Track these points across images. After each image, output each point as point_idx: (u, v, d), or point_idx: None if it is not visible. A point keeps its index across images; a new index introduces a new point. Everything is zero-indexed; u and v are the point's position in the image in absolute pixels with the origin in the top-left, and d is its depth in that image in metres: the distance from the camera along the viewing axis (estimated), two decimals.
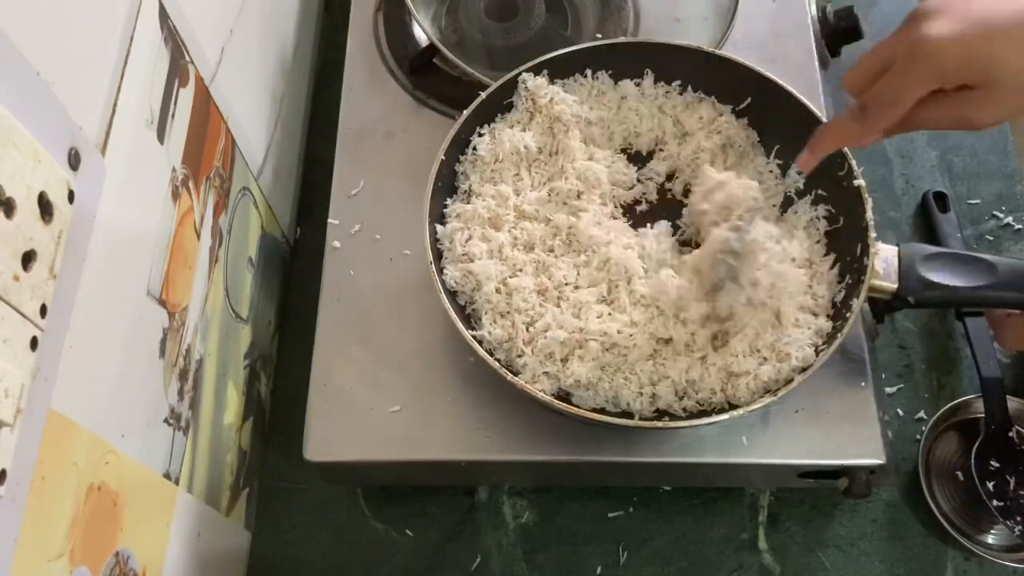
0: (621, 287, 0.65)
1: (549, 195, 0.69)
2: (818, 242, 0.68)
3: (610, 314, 0.64)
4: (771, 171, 0.71)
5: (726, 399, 0.62)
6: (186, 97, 0.61)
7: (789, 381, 0.61)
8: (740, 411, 0.59)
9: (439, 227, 0.68)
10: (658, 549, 0.74)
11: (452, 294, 0.66)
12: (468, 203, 0.69)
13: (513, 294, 0.64)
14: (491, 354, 0.63)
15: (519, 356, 0.63)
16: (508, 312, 0.64)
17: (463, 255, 0.66)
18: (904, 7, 0.91)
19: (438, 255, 0.67)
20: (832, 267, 0.66)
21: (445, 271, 0.66)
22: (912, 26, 0.52)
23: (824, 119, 0.68)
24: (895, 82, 0.53)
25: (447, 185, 0.71)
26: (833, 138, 0.59)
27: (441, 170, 0.68)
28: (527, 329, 0.63)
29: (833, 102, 0.79)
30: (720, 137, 0.72)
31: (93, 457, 0.49)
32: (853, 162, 0.66)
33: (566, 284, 0.66)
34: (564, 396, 0.63)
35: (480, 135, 0.71)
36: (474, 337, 0.63)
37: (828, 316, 0.65)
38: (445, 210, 0.70)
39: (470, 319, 0.66)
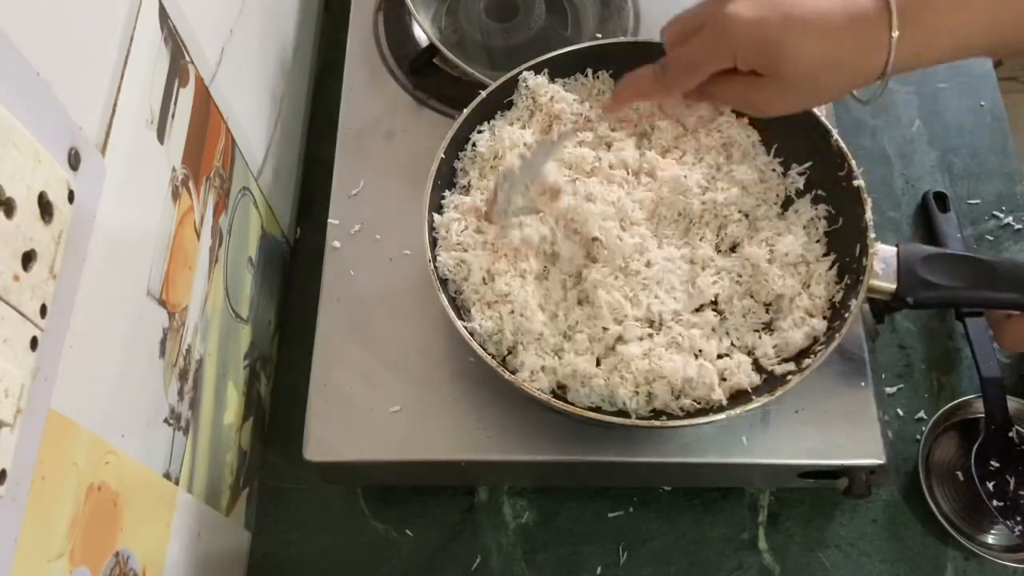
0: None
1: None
2: (818, 241, 0.68)
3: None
4: (773, 169, 0.71)
5: (723, 397, 0.62)
6: (186, 97, 0.61)
7: (783, 377, 0.61)
8: (739, 411, 0.59)
9: (436, 216, 0.68)
10: (658, 549, 0.74)
11: (444, 282, 0.66)
12: (467, 195, 0.69)
13: (496, 278, 0.64)
14: (483, 348, 0.63)
15: (512, 352, 0.63)
16: (495, 302, 0.64)
17: (457, 244, 0.66)
18: None
19: (435, 245, 0.67)
20: (831, 268, 0.66)
21: (438, 258, 0.66)
22: (721, 2, 0.52)
23: (823, 118, 0.68)
24: (694, 51, 0.54)
25: (447, 183, 0.71)
26: (636, 92, 0.60)
27: (441, 168, 0.68)
28: (511, 313, 0.64)
29: (834, 102, 0.78)
30: (720, 136, 0.72)
31: (93, 457, 0.49)
32: (853, 162, 0.66)
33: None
34: (561, 394, 0.63)
35: (480, 132, 0.71)
36: (467, 329, 0.63)
37: (824, 317, 0.65)
38: (443, 202, 0.70)
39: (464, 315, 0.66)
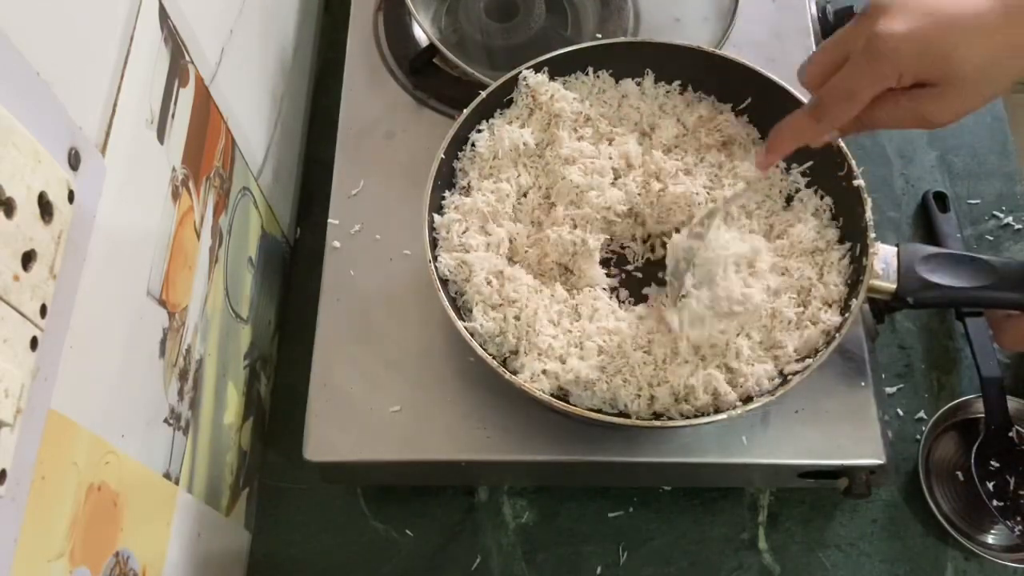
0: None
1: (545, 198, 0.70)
2: (827, 227, 0.68)
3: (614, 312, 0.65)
4: (776, 166, 0.71)
5: (737, 400, 0.62)
6: (186, 97, 0.61)
7: (784, 377, 0.61)
8: (739, 411, 0.59)
9: (436, 216, 0.68)
10: (658, 549, 0.74)
11: (444, 282, 0.66)
12: (468, 196, 0.69)
13: (506, 283, 0.64)
14: (484, 349, 0.63)
15: (514, 354, 0.63)
16: (500, 304, 0.64)
17: (459, 245, 0.66)
18: None
19: (435, 246, 0.67)
20: (843, 257, 0.66)
21: (439, 259, 0.66)
22: (869, 21, 0.51)
23: None
24: (851, 79, 0.52)
25: (446, 183, 0.71)
26: (791, 137, 0.58)
27: (441, 168, 0.68)
28: (516, 318, 0.63)
29: None
30: (720, 135, 0.72)
31: (93, 457, 0.49)
32: (853, 162, 0.66)
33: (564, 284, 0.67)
34: (562, 396, 0.63)
35: (479, 131, 0.71)
36: (467, 330, 0.63)
37: (841, 310, 0.64)
38: (443, 202, 0.70)
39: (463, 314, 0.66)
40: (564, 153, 0.70)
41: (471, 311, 0.65)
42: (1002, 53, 0.49)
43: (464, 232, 0.67)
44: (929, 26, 0.49)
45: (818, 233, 0.67)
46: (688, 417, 0.61)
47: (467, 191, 0.70)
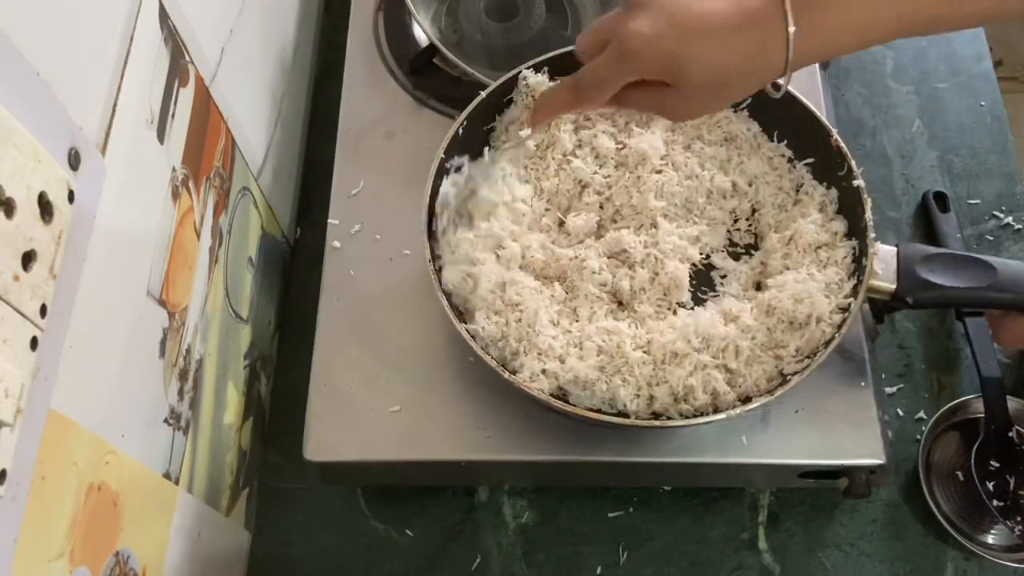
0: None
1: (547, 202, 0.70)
2: (832, 219, 0.68)
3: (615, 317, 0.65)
4: (781, 155, 0.71)
5: (735, 399, 0.62)
6: (186, 97, 0.61)
7: (787, 381, 0.61)
8: (739, 410, 0.59)
9: (452, 238, 0.67)
10: (658, 549, 0.74)
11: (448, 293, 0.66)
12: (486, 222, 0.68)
13: (508, 288, 0.64)
14: (485, 351, 0.63)
15: (514, 355, 0.63)
16: (502, 310, 0.64)
17: (465, 258, 0.66)
18: None
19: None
20: (846, 256, 0.66)
21: (444, 273, 0.66)
22: (622, 18, 0.53)
23: (824, 118, 0.68)
24: (601, 69, 0.55)
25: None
26: (551, 107, 0.61)
27: (441, 169, 0.68)
28: (518, 321, 0.63)
29: (834, 102, 0.79)
30: (721, 132, 0.72)
31: (93, 457, 0.49)
32: (853, 162, 0.66)
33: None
34: (562, 396, 0.63)
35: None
36: (468, 331, 0.63)
37: (841, 306, 0.64)
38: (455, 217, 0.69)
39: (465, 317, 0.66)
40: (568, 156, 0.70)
41: (473, 313, 0.65)
42: (733, 70, 0.52)
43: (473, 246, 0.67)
44: (672, 32, 0.52)
45: (822, 226, 0.67)
46: (687, 417, 0.61)
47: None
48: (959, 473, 0.76)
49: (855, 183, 0.66)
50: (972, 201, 0.89)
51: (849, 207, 0.67)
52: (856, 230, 0.66)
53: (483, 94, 0.71)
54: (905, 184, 0.90)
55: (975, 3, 0.50)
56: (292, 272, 0.88)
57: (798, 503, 0.76)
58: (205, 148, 0.65)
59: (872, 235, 0.64)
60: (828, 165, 0.68)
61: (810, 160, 0.70)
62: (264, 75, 0.81)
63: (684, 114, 0.57)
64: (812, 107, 0.69)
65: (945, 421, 0.77)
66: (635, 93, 0.56)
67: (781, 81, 0.54)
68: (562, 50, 0.72)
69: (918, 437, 0.77)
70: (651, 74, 0.54)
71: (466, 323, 0.64)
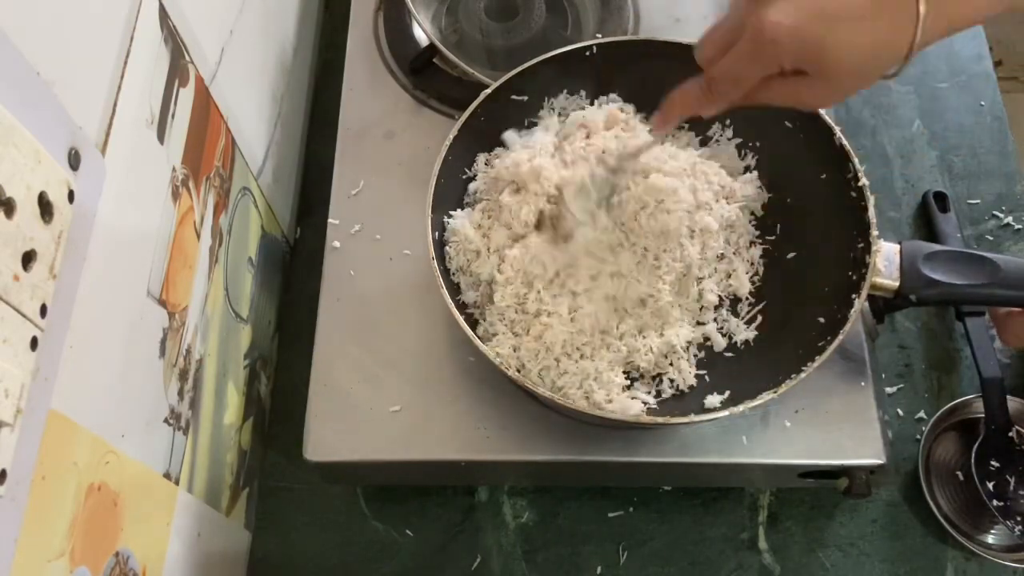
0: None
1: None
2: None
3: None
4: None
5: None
6: (186, 97, 0.61)
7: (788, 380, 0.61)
8: (741, 408, 0.59)
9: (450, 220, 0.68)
10: (658, 549, 0.74)
11: (447, 281, 0.66)
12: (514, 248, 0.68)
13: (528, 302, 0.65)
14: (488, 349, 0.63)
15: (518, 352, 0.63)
16: (520, 333, 0.65)
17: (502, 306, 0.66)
18: None
19: (440, 248, 0.67)
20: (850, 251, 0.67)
21: (461, 292, 0.67)
22: (754, 11, 0.53)
23: (825, 117, 0.68)
24: (737, 63, 0.54)
25: (449, 182, 0.70)
26: (682, 107, 0.60)
27: (444, 167, 0.68)
28: (536, 338, 0.64)
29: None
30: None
31: (93, 457, 0.49)
32: (856, 161, 0.66)
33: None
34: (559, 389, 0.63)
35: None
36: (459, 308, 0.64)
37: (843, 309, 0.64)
38: (450, 217, 0.70)
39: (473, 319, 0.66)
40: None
41: (484, 323, 0.65)
42: (876, 50, 0.52)
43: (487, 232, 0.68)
44: (808, 20, 0.51)
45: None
46: (687, 416, 0.62)
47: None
48: (959, 473, 0.76)
49: (859, 182, 0.66)
50: (972, 201, 0.89)
51: (852, 206, 0.67)
52: (859, 228, 0.66)
53: (483, 94, 0.71)
54: (905, 184, 0.90)
55: None
56: (292, 272, 0.88)
57: (798, 503, 0.76)
58: (205, 148, 0.65)
59: (875, 233, 0.64)
60: (831, 164, 0.68)
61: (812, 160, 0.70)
62: (264, 75, 0.81)
63: (821, 102, 0.56)
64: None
65: (945, 421, 0.77)
66: (770, 86, 0.55)
67: (892, 69, 0.53)
68: (562, 49, 0.72)
69: (918, 437, 0.77)
70: (791, 64, 0.53)
71: (461, 299, 0.64)
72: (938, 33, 0.51)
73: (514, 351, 0.64)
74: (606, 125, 0.72)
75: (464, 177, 0.72)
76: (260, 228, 0.80)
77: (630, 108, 0.74)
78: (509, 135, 0.72)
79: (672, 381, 0.65)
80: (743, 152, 0.74)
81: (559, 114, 0.74)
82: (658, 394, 0.65)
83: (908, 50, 0.51)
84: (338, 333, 0.71)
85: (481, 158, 0.72)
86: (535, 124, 0.73)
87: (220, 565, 0.70)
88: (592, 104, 0.74)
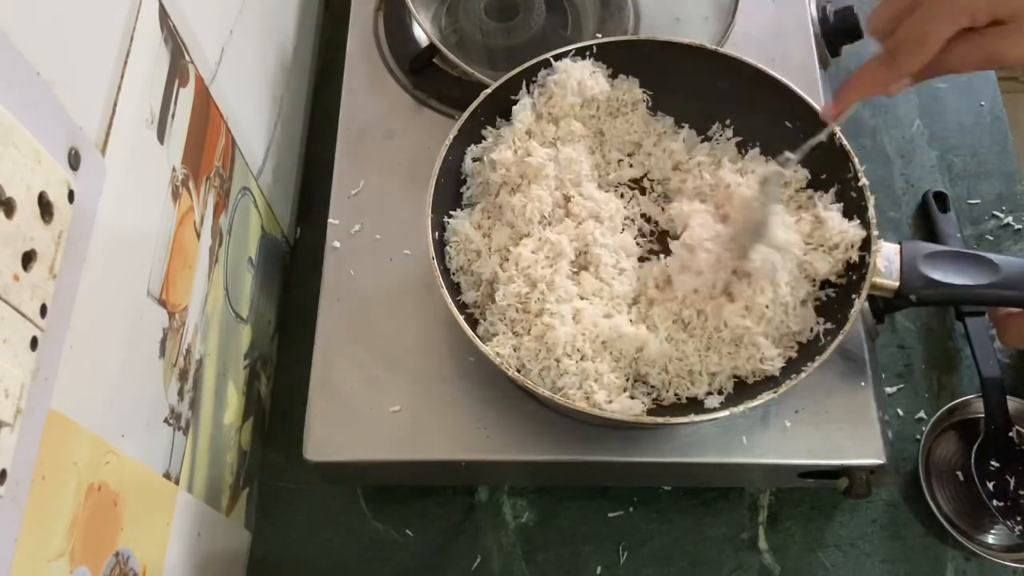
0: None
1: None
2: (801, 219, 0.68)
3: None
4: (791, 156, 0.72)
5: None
6: (186, 97, 0.61)
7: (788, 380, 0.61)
8: (741, 408, 0.59)
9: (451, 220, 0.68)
10: (658, 549, 0.74)
11: (448, 280, 0.66)
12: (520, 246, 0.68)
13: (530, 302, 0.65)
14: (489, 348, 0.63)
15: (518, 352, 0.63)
16: (522, 332, 0.65)
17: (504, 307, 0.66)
18: None
19: (440, 248, 0.67)
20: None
21: (461, 291, 0.67)
22: None
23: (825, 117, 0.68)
24: (924, 21, 0.50)
25: (449, 182, 0.70)
26: (861, 85, 0.56)
27: (444, 167, 0.68)
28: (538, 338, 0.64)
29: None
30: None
31: (93, 457, 0.49)
32: (856, 160, 0.66)
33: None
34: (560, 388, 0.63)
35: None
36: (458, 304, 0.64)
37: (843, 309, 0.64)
38: (450, 217, 0.69)
39: (473, 318, 0.66)
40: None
41: (484, 323, 0.65)
42: None
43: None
44: None
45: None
46: (681, 404, 0.62)
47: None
48: (959, 473, 0.76)
49: (859, 182, 0.66)
50: (972, 201, 0.89)
51: (852, 206, 0.67)
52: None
53: (484, 94, 0.71)
54: (905, 184, 0.90)
55: None
56: (292, 272, 0.88)
57: (798, 503, 0.76)
58: (205, 148, 0.65)
59: (875, 233, 0.64)
60: (831, 164, 0.68)
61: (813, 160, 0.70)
62: (264, 75, 0.81)
63: (1023, 52, 0.50)
64: (815, 105, 0.68)
65: (945, 421, 0.77)
66: (959, 45, 0.50)
67: None
68: (562, 49, 0.72)
69: (918, 437, 0.77)
70: (986, 12, 0.48)
71: (461, 299, 0.64)
72: None
73: (514, 351, 0.63)
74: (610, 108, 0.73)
75: (464, 177, 0.72)
76: (260, 228, 0.80)
77: (601, 67, 0.73)
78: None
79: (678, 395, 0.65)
80: (743, 152, 0.74)
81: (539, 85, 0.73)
82: (658, 395, 0.65)
83: None
84: (338, 333, 0.71)
85: (469, 154, 0.72)
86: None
87: (220, 565, 0.70)
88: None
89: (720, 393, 0.64)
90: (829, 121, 0.61)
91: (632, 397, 0.63)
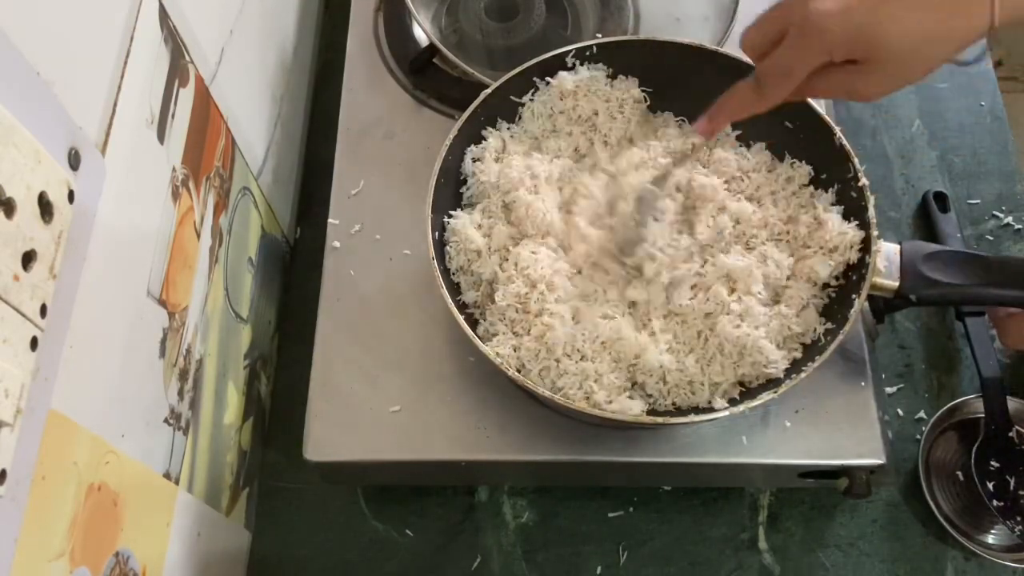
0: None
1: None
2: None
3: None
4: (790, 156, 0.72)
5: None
6: (186, 97, 0.61)
7: (788, 380, 0.61)
8: (741, 408, 0.59)
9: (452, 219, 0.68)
10: (658, 549, 0.74)
11: (448, 280, 0.66)
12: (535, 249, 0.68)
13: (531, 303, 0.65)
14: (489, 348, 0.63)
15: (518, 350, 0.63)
16: (521, 332, 0.65)
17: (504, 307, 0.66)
18: None
19: (440, 248, 0.67)
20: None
21: (461, 291, 0.67)
22: (799, 1, 0.52)
23: (825, 117, 0.68)
24: (787, 56, 0.53)
25: (449, 182, 0.70)
26: (732, 107, 0.59)
27: (444, 167, 0.68)
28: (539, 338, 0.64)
29: (834, 101, 0.78)
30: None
31: (93, 457, 0.49)
32: (856, 161, 0.66)
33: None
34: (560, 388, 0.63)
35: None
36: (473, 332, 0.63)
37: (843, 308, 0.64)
38: (450, 217, 0.69)
39: (473, 317, 0.66)
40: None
41: (483, 324, 0.65)
42: (931, 34, 0.50)
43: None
44: (859, 6, 0.50)
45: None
46: (682, 410, 0.62)
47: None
48: (959, 473, 0.76)
49: (860, 182, 0.66)
50: (972, 201, 0.89)
51: (853, 206, 0.67)
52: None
53: (484, 94, 0.71)
54: (905, 184, 0.90)
55: None
56: (292, 272, 0.88)
57: (798, 503, 0.76)
58: (205, 148, 0.65)
59: (875, 233, 0.64)
60: (832, 164, 0.68)
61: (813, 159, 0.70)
62: (264, 75, 0.81)
63: (875, 91, 0.54)
64: (815, 105, 0.68)
65: (945, 421, 0.77)
66: (821, 77, 0.53)
67: (971, 55, 0.52)
68: (562, 49, 0.72)
69: (918, 437, 0.77)
70: (841, 53, 0.51)
71: (461, 299, 0.64)
72: (1012, 18, 0.49)
73: (514, 351, 0.63)
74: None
75: (464, 177, 0.72)
76: (260, 228, 0.80)
77: (600, 70, 0.73)
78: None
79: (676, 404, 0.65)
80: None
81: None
82: (655, 402, 0.65)
83: (985, 29, 0.49)
84: (338, 333, 0.71)
85: (469, 154, 0.72)
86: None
87: (220, 565, 0.70)
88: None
89: (723, 398, 0.63)
90: (706, 137, 0.63)
91: (631, 398, 0.63)
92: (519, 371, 0.63)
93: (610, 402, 0.62)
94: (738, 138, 0.73)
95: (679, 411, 0.63)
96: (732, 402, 0.62)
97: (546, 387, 0.62)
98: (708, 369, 0.63)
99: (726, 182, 0.70)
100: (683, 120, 0.74)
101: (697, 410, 0.62)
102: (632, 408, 0.62)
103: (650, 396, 0.64)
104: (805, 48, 0.52)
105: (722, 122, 0.61)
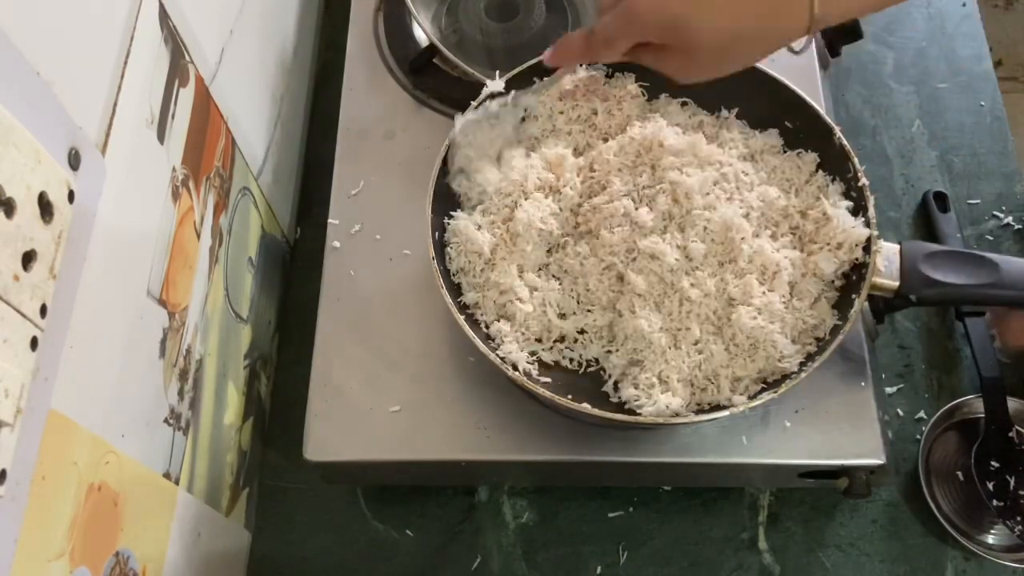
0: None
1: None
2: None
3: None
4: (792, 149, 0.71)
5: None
6: (186, 97, 0.61)
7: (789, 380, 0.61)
8: (741, 408, 0.59)
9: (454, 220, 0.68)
10: (658, 549, 0.74)
11: (448, 281, 0.66)
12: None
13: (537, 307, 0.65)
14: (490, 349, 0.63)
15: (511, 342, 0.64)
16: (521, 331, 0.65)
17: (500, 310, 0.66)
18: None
19: (440, 249, 0.67)
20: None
21: (463, 292, 0.67)
22: None
23: (825, 117, 0.68)
24: (610, 28, 0.56)
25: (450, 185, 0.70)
26: (567, 52, 0.61)
27: (444, 166, 0.68)
28: (538, 340, 0.64)
29: (834, 101, 0.79)
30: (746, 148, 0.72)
31: (93, 457, 0.49)
32: (856, 160, 0.66)
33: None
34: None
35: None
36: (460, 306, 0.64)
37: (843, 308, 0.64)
38: (450, 217, 0.69)
39: (473, 316, 0.66)
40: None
41: (486, 324, 0.65)
42: (745, 33, 0.52)
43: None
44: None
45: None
46: (689, 414, 0.62)
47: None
48: (959, 473, 0.76)
49: (859, 182, 0.66)
50: (972, 201, 0.89)
51: (852, 205, 0.67)
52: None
53: (484, 94, 0.71)
54: (905, 184, 0.90)
55: None
56: (292, 272, 0.88)
57: (798, 503, 0.76)
58: (205, 148, 0.65)
59: (875, 232, 0.64)
60: (831, 164, 0.68)
61: (814, 155, 0.70)
62: (264, 75, 0.81)
63: (686, 77, 0.57)
64: (815, 105, 0.69)
65: (945, 421, 0.77)
66: (647, 52, 0.56)
67: (797, 45, 0.54)
68: None
69: (918, 437, 0.77)
70: (654, 37, 0.54)
71: (462, 299, 0.64)
72: (839, 14, 0.51)
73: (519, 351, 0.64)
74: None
75: None
76: (260, 228, 0.80)
77: (598, 69, 0.73)
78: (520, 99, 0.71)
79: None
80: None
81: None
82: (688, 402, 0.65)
83: (804, 30, 0.51)
84: (338, 333, 0.71)
85: None
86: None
87: (220, 565, 0.70)
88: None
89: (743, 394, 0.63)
90: (548, 63, 0.64)
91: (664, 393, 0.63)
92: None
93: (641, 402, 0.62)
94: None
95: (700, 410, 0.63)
96: (731, 402, 0.62)
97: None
98: (733, 362, 0.62)
99: (725, 181, 0.69)
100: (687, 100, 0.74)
101: (697, 410, 0.62)
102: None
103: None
104: (625, 26, 0.55)
105: (560, 61, 0.62)
